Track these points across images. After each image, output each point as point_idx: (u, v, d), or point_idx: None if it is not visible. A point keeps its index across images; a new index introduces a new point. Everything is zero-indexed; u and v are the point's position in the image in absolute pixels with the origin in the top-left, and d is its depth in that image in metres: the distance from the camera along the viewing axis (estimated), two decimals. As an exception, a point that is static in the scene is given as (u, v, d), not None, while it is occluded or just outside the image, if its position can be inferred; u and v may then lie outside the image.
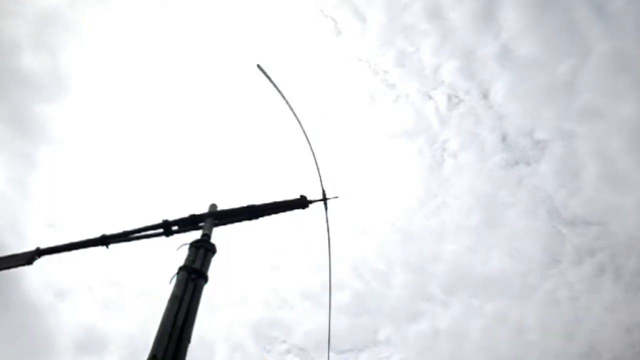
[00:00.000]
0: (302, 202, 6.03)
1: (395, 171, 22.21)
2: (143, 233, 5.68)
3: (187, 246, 5.17)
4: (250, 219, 5.84)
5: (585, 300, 19.55)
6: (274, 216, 5.93)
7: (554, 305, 19.60)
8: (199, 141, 21.43)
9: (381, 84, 21.84)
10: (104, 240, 5.69)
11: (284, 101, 6.44)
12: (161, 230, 5.64)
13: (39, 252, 5.74)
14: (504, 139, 21.17)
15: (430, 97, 21.47)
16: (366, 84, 22.21)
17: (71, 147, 20.78)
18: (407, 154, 22.43)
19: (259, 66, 6.50)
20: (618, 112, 19.43)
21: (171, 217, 5.59)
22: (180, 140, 21.40)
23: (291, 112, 6.45)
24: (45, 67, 19.36)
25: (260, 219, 5.88)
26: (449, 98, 21.21)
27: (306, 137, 6.49)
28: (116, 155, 21.03)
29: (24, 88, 19.27)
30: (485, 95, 21.17)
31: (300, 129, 6.49)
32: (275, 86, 6.43)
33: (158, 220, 5.57)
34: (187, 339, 4.59)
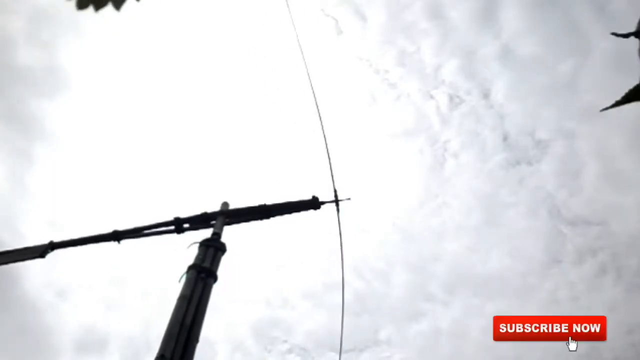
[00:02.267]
0: (314, 203, 5.96)
1: (396, 171, 22.21)
2: (154, 230, 5.66)
3: (197, 245, 5.15)
4: (261, 218, 5.78)
5: (586, 300, 19.56)
6: (284, 217, 5.89)
7: (554, 305, 19.62)
8: (210, 140, 21.38)
9: (382, 83, 21.82)
10: (116, 236, 5.67)
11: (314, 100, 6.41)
12: (172, 227, 5.62)
13: (52, 246, 5.76)
14: (505, 138, 21.18)
15: (431, 97, 21.46)
16: (367, 83, 22.21)
17: (70, 144, 20.68)
18: (408, 154, 22.42)
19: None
20: (619, 111, 19.38)
21: (182, 215, 5.57)
22: (191, 138, 21.33)
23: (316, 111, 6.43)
24: (41, 62, 19.22)
25: (272, 219, 5.84)
26: (450, 98, 21.20)
27: (325, 140, 6.46)
28: (120, 153, 20.95)
29: (20, 84, 19.14)
30: (486, 95, 21.18)
31: (321, 131, 6.47)
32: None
33: (168, 217, 5.56)
34: (196, 339, 4.56)
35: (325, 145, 6.36)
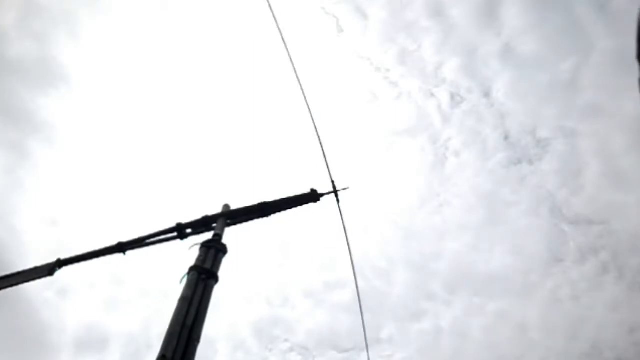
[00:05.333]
0: (313, 196, 6.02)
1: (397, 169, 22.19)
2: (158, 238, 5.74)
3: (198, 246, 5.17)
4: (262, 216, 5.84)
5: (587, 299, 19.54)
6: (284, 213, 5.92)
7: (556, 304, 19.60)
8: (203, 139, 21.34)
9: (383, 81, 21.79)
10: (121, 248, 5.78)
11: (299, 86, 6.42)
12: (175, 234, 5.69)
13: (60, 263, 5.88)
14: (506, 137, 21.15)
15: (432, 95, 21.42)
16: (368, 81, 22.16)
17: (66, 138, 20.58)
18: (410, 152, 22.40)
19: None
20: (620, 109, 19.40)
21: (184, 220, 5.64)
22: (182, 138, 21.30)
23: (304, 100, 6.45)
24: (34, 55, 19.08)
25: (272, 215, 5.87)
26: (452, 96, 21.16)
27: (317, 131, 6.49)
28: (116, 146, 20.89)
29: (13, 77, 19.03)
30: (487, 94, 21.14)
31: (312, 122, 6.50)
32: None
33: (170, 221, 5.64)
34: (197, 339, 4.58)
35: (318, 138, 6.38)
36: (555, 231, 20.42)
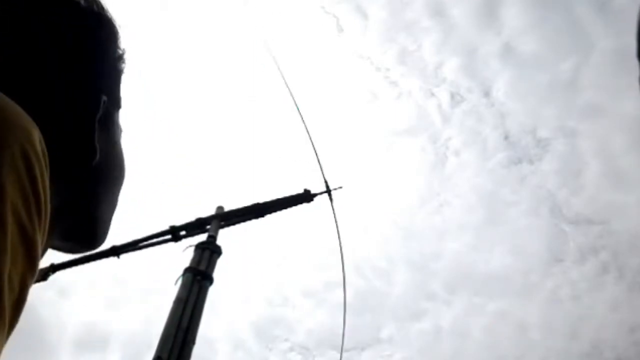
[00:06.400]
0: (306, 196, 6.05)
1: (397, 168, 22.20)
2: (152, 241, 5.77)
3: (193, 248, 5.20)
4: (256, 217, 5.90)
5: (588, 299, 19.52)
6: (279, 213, 5.95)
7: (556, 304, 19.58)
8: (197, 140, 21.33)
9: (383, 81, 21.74)
10: (115, 251, 5.78)
11: (286, 87, 6.45)
12: (169, 236, 5.72)
13: (53, 268, 5.87)
14: (506, 137, 21.09)
15: (432, 95, 21.38)
16: (368, 81, 22.13)
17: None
18: (410, 152, 22.40)
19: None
20: (621, 109, 19.34)
21: (178, 222, 5.67)
22: (176, 139, 21.30)
23: (293, 102, 6.46)
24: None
25: (266, 216, 5.91)
26: (452, 96, 21.13)
27: (306, 129, 6.51)
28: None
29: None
30: (487, 94, 21.08)
31: (300, 120, 6.52)
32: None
33: (164, 225, 5.66)
34: (192, 341, 4.61)
35: (309, 137, 6.40)
36: (555, 231, 20.43)
